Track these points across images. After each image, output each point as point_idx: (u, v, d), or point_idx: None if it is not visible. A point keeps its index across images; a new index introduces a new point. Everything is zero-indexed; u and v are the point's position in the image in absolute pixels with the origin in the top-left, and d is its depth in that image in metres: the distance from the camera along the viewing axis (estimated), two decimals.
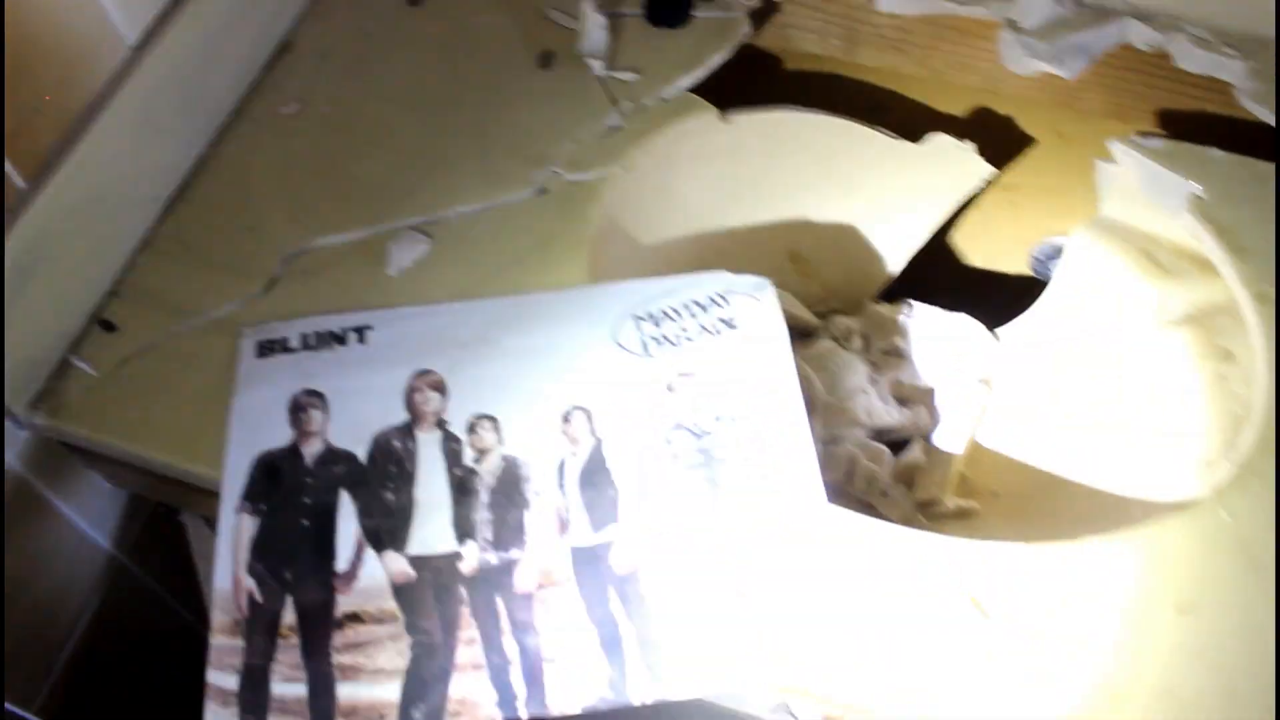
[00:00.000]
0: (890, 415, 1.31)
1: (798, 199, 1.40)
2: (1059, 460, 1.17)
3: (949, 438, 1.28)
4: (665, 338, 1.12)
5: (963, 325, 1.34)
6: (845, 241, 1.35)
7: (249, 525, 1.05)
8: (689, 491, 1.06)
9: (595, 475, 1.05)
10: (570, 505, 1.05)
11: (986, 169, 1.35)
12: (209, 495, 1.09)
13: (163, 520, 1.32)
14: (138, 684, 1.34)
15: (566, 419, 1.09)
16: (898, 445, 1.29)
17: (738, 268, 1.18)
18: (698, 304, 1.15)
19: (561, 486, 1.06)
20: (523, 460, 1.08)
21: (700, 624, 1.00)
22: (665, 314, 1.14)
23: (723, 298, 1.15)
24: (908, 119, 1.45)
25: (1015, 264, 1.42)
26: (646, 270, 1.21)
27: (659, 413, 1.09)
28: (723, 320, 1.13)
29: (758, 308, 1.14)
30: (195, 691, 0.99)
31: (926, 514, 1.22)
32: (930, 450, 1.29)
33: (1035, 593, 0.92)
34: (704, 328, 1.13)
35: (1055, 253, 1.38)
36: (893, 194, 1.39)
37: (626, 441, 1.08)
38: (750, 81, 1.34)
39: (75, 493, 1.24)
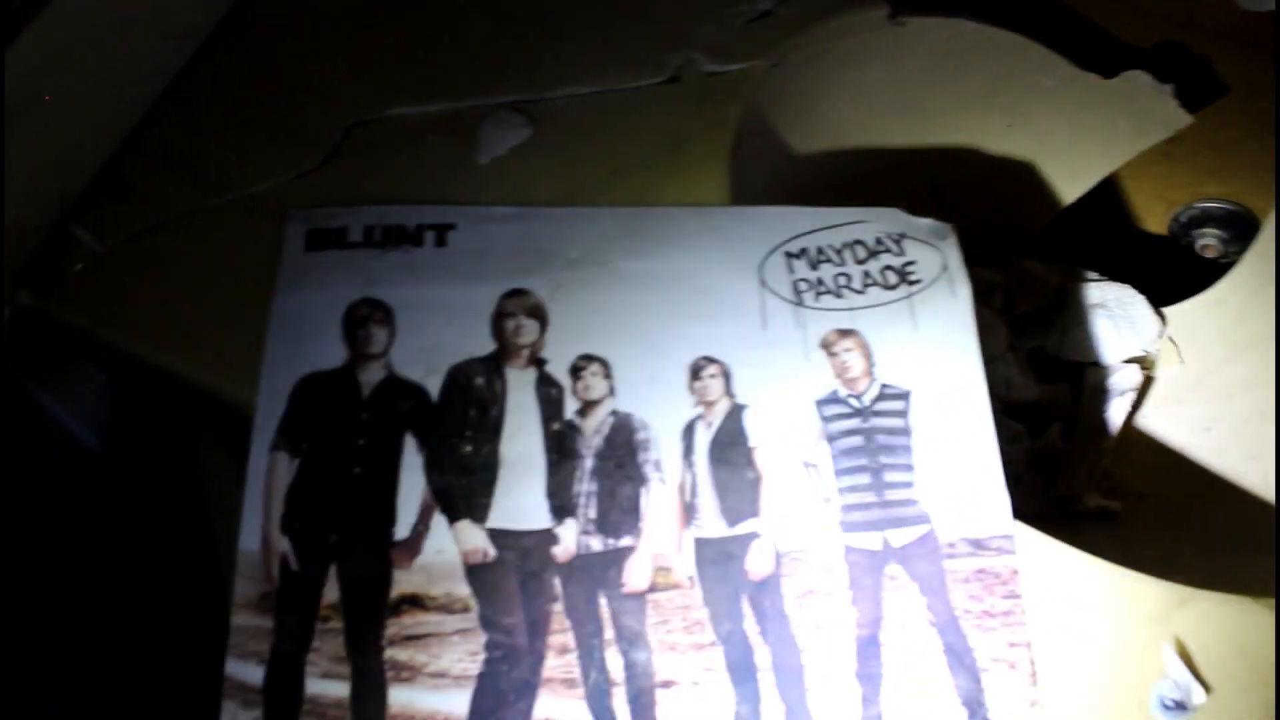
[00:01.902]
0: (1029, 390, 1.13)
1: (955, 124, 1.20)
2: (1222, 462, 1.04)
3: (1095, 424, 1.10)
4: (822, 283, 0.90)
5: (1123, 296, 1.17)
6: (1000, 180, 1.21)
7: (286, 468, 0.82)
8: (846, 482, 0.86)
9: (731, 450, 0.83)
10: (699, 485, 0.84)
11: (1183, 118, 1.14)
12: (234, 419, 0.85)
13: (170, 434, 1.06)
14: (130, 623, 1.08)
15: (696, 373, 0.85)
16: (1032, 425, 1.11)
17: (873, 196, 0.97)
18: (863, 245, 0.91)
19: (688, 459, 0.84)
20: (640, 420, 0.87)
21: (857, 654, 0.81)
22: (822, 253, 0.90)
23: (895, 241, 0.91)
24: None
25: (1153, 222, 1.28)
26: (787, 192, 0.95)
27: (811, 376, 0.86)
28: (894, 270, 0.89)
29: (937, 259, 0.89)
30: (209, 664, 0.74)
31: (1062, 510, 1.06)
32: (1071, 437, 1.11)
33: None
34: (870, 276, 0.89)
35: (1202, 219, 1.26)
36: (1064, 132, 1.19)
37: (772, 410, 0.86)
38: None
39: (64, 388, 0.97)
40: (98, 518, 1.02)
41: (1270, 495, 0.99)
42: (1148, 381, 1.12)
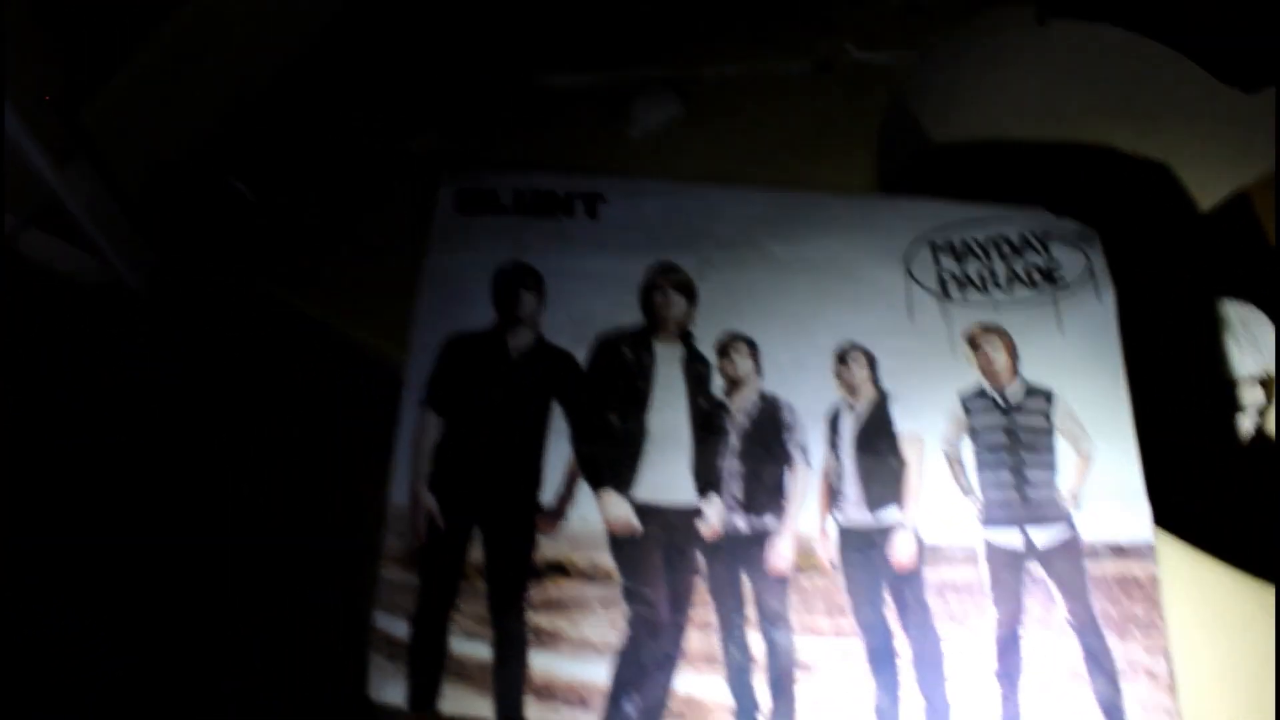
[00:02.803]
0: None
1: (1089, 127, 1.16)
2: None
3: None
4: (968, 278, 0.89)
5: (1246, 315, 1.12)
6: (1132, 186, 1.18)
7: (434, 426, 0.82)
8: (989, 478, 0.86)
9: (877, 438, 0.82)
10: (844, 472, 0.82)
11: None
12: (377, 374, 0.85)
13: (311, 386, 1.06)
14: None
15: (842, 359, 0.85)
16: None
17: (1004, 194, 0.96)
18: (1009, 243, 0.90)
19: (834, 445, 0.82)
20: (786, 402, 0.86)
21: (997, 651, 0.81)
22: (969, 247, 0.89)
23: (1040, 242, 0.90)
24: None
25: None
26: (925, 184, 0.95)
27: (957, 370, 0.85)
28: (1040, 270, 0.88)
29: (1081, 262, 0.88)
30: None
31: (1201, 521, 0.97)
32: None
33: None
34: (1016, 274, 0.88)
35: None
36: (1198, 143, 1.17)
37: (917, 401, 0.85)
38: None
39: (206, 330, 0.98)
40: (238, 463, 1.02)
41: None
42: (1271, 399, 1.10)
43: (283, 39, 0.97)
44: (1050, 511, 0.83)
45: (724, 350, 0.87)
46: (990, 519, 0.83)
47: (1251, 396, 1.05)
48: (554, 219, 0.92)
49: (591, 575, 0.80)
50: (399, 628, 0.78)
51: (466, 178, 0.94)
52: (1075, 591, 0.82)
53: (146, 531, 0.92)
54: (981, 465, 0.85)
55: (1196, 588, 0.81)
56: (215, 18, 0.88)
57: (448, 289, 0.89)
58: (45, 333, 0.90)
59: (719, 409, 0.85)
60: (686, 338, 0.87)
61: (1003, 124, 1.14)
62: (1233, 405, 1.06)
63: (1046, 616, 0.81)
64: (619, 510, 0.81)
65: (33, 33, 0.77)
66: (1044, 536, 0.83)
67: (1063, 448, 0.85)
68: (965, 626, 0.80)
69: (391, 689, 0.77)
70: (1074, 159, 1.14)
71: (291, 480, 0.89)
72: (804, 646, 0.80)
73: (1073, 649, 0.80)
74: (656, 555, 0.81)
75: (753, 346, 0.87)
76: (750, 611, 0.80)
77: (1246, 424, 1.04)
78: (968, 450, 0.85)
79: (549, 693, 0.77)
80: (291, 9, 0.97)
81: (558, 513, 0.82)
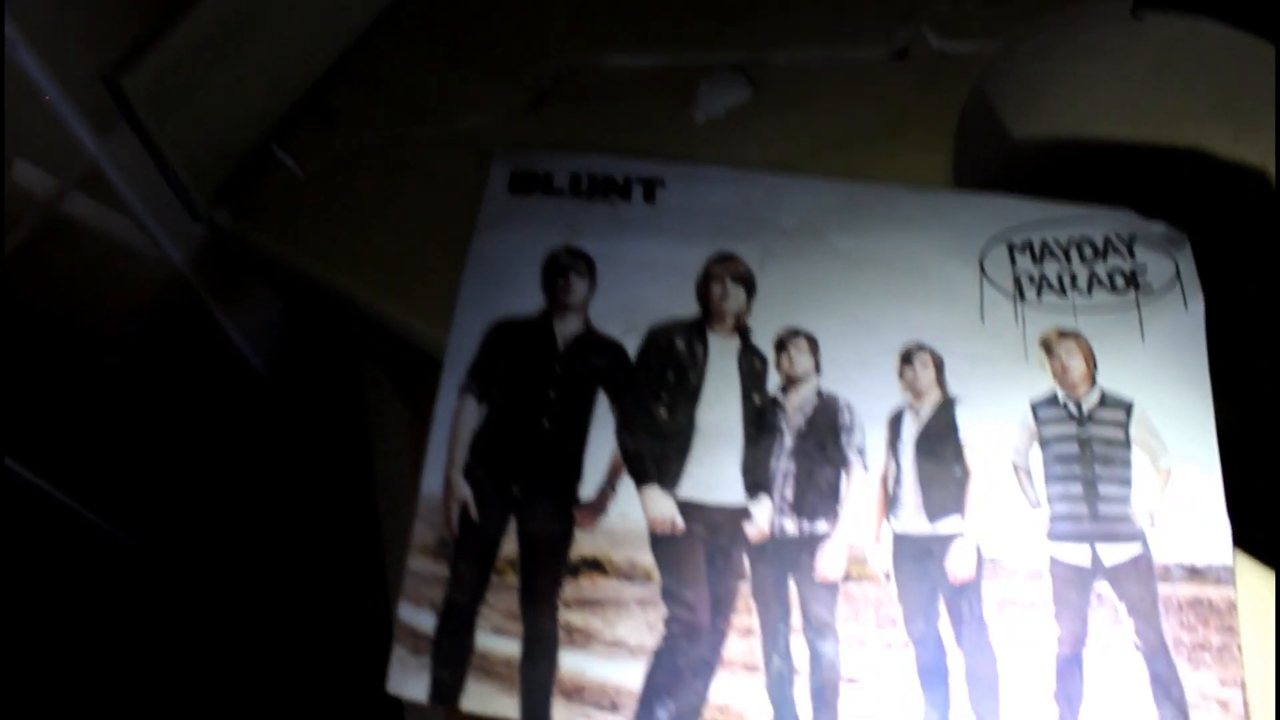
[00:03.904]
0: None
1: (1180, 128, 1.11)
2: None
3: None
4: (1045, 279, 0.84)
5: None
6: (1226, 192, 1.13)
7: (473, 413, 0.78)
8: (1058, 490, 0.81)
9: (940, 444, 0.77)
10: (903, 477, 0.78)
11: None
12: (412, 359, 0.80)
13: (339, 368, 1.03)
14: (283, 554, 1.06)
15: (908, 359, 0.80)
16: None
17: (1088, 195, 0.90)
18: (1091, 245, 0.84)
19: (893, 449, 0.79)
20: (845, 402, 0.82)
21: (1056, 672, 0.76)
22: (1048, 248, 0.84)
23: (1124, 244, 0.84)
24: None
25: None
26: (1003, 180, 0.90)
27: (1030, 376, 0.80)
28: (1123, 274, 0.82)
29: (1169, 267, 0.83)
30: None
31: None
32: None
33: None
34: (1097, 277, 0.83)
35: None
36: None
37: (985, 406, 0.80)
38: None
39: (242, 308, 0.96)
40: (258, 442, 1.00)
41: None
42: None
43: (337, 9, 0.93)
44: (1122, 528, 0.78)
45: (782, 345, 0.83)
46: (1057, 533, 0.78)
47: None
48: (609, 203, 0.89)
49: (630, 574, 0.77)
50: (425, 620, 0.75)
51: (520, 158, 0.91)
52: (1145, 614, 0.76)
53: (163, 512, 0.90)
54: (1051, 477, 0.80)
55: (1277, 615, 0.74)
56: None
57: (495, 272, 0.85)
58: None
59: (773, 406, 0.81)
60: (743, 331, 0.83)
61: (1089, 121, 1.09)
62: None
63: (1112, 639, 0.76)
64: (662, 507, 0.78)
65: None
66: (1114, 554, 0.78)
67: (1140, 462, 0.80)
68: (1024, 645, 0.75)
69: (413, 683, 0.74)
70: (1165, 161, 1.09)
71: (321, 468, 0.86)
72: (850, 658, 0.75)
73: (1139, 675, 0.75)
74: (699, 556, 0.77)
75: (813, 343, 0.83)
76: (795, 619, 0.76)
77: None
78: (1036, 461, 0.80)
79: (578, 694, 0.74)
80: None
81: (598, 507, 0.78)
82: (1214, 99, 1.07)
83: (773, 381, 0.82)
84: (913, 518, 0.78)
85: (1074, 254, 0.87)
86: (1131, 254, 0.87)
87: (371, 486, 0.96)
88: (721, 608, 0.76)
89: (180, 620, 0.92)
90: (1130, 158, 1.09)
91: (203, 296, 0.95)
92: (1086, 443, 0.80)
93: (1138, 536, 0.78)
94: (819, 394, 0.81)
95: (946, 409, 0.81)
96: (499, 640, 0.75)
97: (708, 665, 0.74)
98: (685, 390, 0.81)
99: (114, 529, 0.93)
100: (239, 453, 1.01)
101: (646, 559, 0.77)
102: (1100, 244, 0.87)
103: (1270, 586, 0.76)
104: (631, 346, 0.82)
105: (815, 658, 0.75)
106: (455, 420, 0.80)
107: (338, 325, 0.95)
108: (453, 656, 0.74)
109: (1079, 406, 0.81)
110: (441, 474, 0.78)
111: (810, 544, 0.77)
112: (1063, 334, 0.84)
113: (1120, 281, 0.85)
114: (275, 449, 1.03)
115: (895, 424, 0.80)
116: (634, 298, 0.84)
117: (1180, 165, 1.09)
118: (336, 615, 0.84)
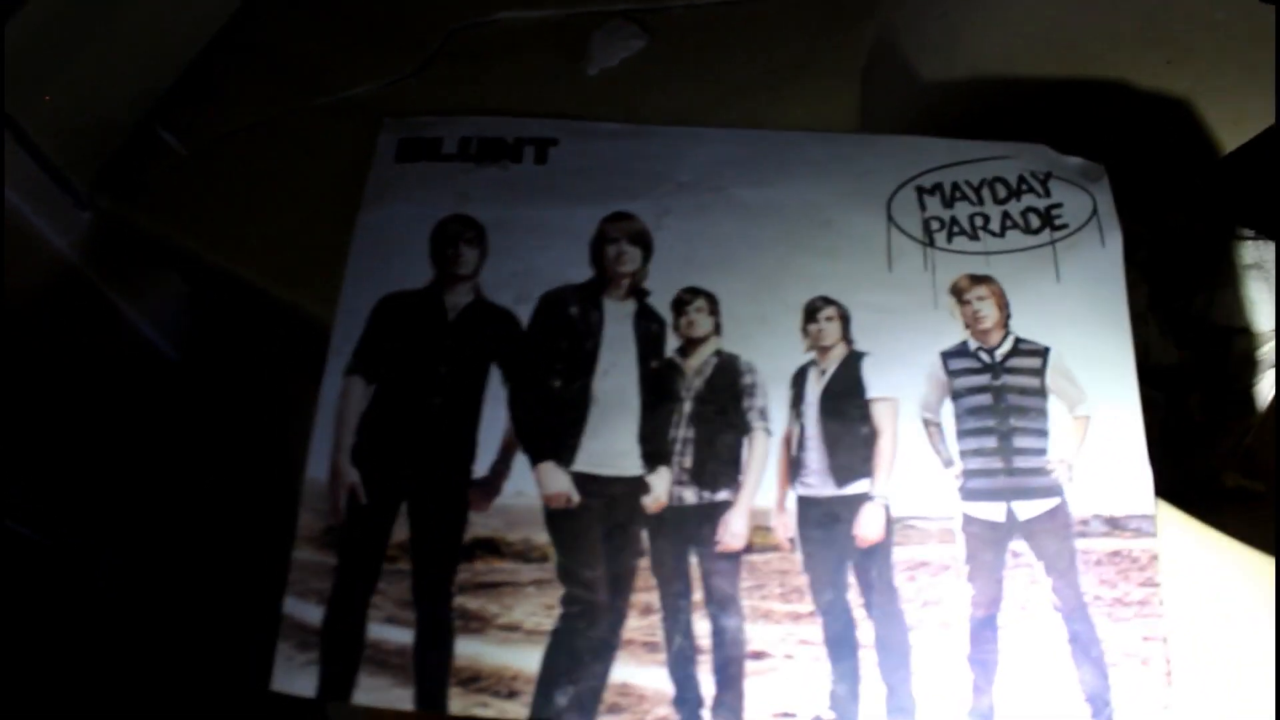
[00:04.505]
0: (1169, 354, 1.01)
1: (1107, 58, 1.05)
2: None
3: (1241, 397, 0.99)
4: (956, 222, 0.80)
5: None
6: (1152, 122, 1.06)
7: (360, 394, 0.76)
8: (971, 445, 0.78)
9: (845, 401, 0.76)
10: (807, 439, 0.76)
11: None
12: (314, 338, 0.79)
13: (248, 351, 1.00)
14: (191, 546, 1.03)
15: (812, 314, 0.78)
16: (1173, 393, 0.99)
17: (1012, 134, 0.88)
18: (1004, 183, 0.81)
19: (797, 409, 0.77)
20: (746, 362, 0.79)
21: (970, 636, 0.73)
22: (959, 190, 0.81)
23: (1040, 181, 0.81)
24: None
25: None
26: (919, 124, 0.86)
27: (939, 325, 0.79)
28: (1037, 212, 0.79)
29: (1086, 203, 0.80)
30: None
31: (1198, 488, 0.95)
32: (1212, 409, 0.99)
33: None
34: (1011, 218, 0.80)
35: None
36: (1231, 71, 1.04)
37: (893, 360, 0.79)
38: None
39: (143, 293, 0.92)
40: (169, 431, 0.97)
41: None
42: None
43: None
44: (1038, 481, 0.76)
45: (680, 306, 0.80)
46: (971, 490, 0.75)
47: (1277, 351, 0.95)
48: (500, 166, 0.85)
49: (525, 554, 0.74)
50: (312, 613, 0.72)
51: (409, 125, 0.87)
52: (1063, 570, 0.74)
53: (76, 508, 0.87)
54: (963, 431, 0.77)
55: (1200, 566, 0.72)
56: None
57: (382, 245, 0.82)
58: None
59: (672, 371, 0.77)
60: (640, 293, 0.80)
61: (1006, 59, 1.04)
62: (1251, 361, 0.96)
63: (1029, 598, 0.73)
64: (557, 483, 0.75)
65: None
66: (1029, 509, 0.75)
67: (1056, 410, 0.77)
68: (937, 609, 0.72)
69: (301, 679, 0.72)
70: (1087, 95, 1.04)
71: (204, 456, 0.84)
72: (755, 631, 0.72)
73: (1058, 635, 0.72)
74: (596, 532, 0.74)
75: (713, 301, 0.79)
76: (697, 594, 0.73)
77: (1268, 383, 0.94)
78: (949, 415, 0.76)
79: (475, 681, 0.71)
80: None
81: (492, 487, 0.75)
82: (1142, 26, 1.02)
83: (672, 344, 0.78)
84: (819, 481, 0.76)
85: (986, 194, 0.84)
86: (1047, 192, 0.83)
87: (291, 473, 0.93)
88: (620, 585, 0.73)
89: (91, 613, 0.90)
90: (1053, 93, 1.04)
91: (99, 285, 0.91)
92: (1000, 392, 0.77)
93: (1055, 489, 0.75)
94: (718, 354, 0.78)
95: (852, 364, 0.78)
96: (392, 630, 0.73)
97: (607, 646, 0.72)
98: (580, 359, 0.78)
99: (25, 528, 0.91)
100: (151, 442, 0.98)
101: (542, 537, 0.74)
102: (1014, 183, 0.84)
103: (1196, 535, 0.73)
104: (525, 316, 0.79)
105: (718, 633, 0.73)
106: (342, 403, 0.77)
107: (243, 307, 0.92)
108: (343, 649, 0.72)
109: (991, 355, 0.77)
110: (328, 460, 0.75)
111: (711, 514, 0.75)
112: (975, 279, 0.81)
113: (1035, 221, 0.82)
114: (189, 436, 1.00)
115: (799, 382, 0.77)
116: (526, 264, 0.81)
117: (1103, 97, 1.04)
118: (252, 606, 0.81)
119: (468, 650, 0.72)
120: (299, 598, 0.73)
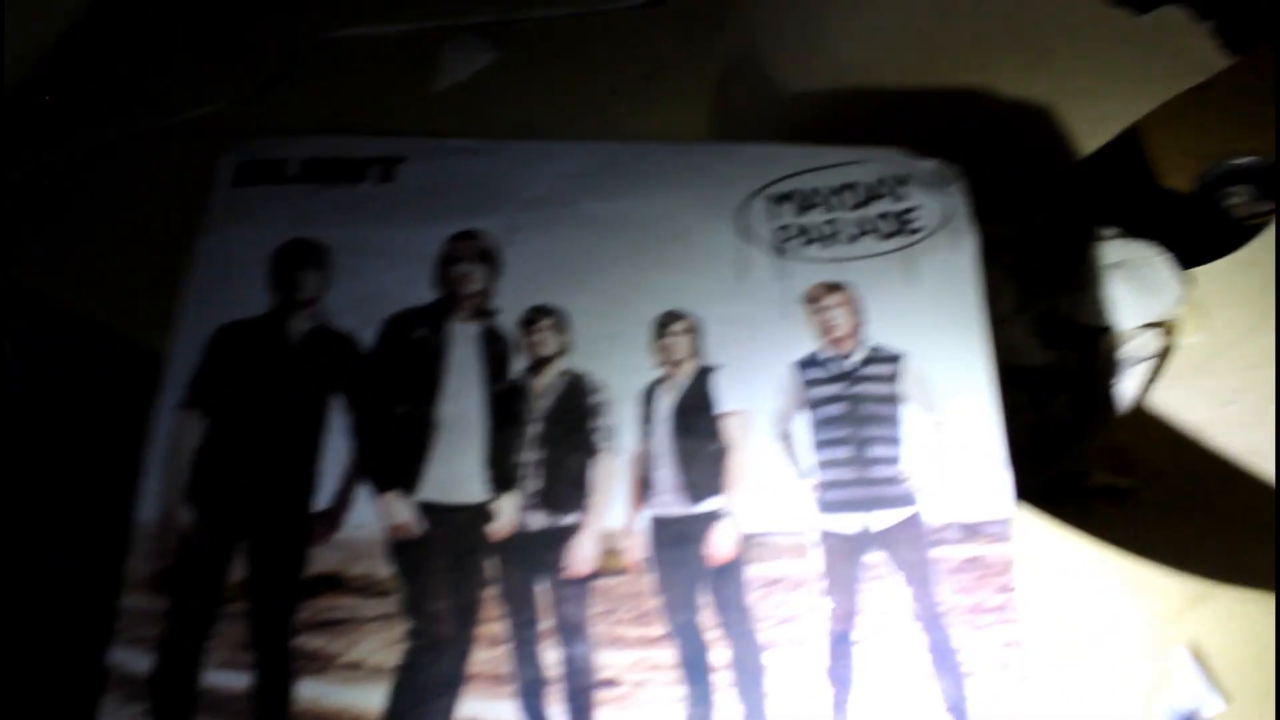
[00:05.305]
0: (1036, 355, 1.01)
1: (968, 63, 1.07)
2: (1245, 440, 0.92)
3: (1107, 395, 0.98)
4: (807, 230, 0.81)
5: (1144, 256, 1.03)
6: (1014, 126, 1.08)
7: (194, 429, 0.73)
8: (825, 456, 0.76)
9: (697, 417, 0.76)
10: (658, 457, 0.75)
11: (1221, 60, 1.02)
12: (151, 372, 0.75)
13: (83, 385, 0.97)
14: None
15: (661, 329, 0.77)
16: (1040, 394, 0.98)
17: (874, 142, 0.87)
18: (858, 189, 0.79)
19: (648, 427, 0.76)
20: (595, 380, 0.78)
21: (829, 651, 0.72)
22: (813, 196, 0.78)
23: (895, 186, 0.79)
24: None
25: (1179, 177, 1.14)
26: (779, 134, 0.88)
27: (791, 335, 0.78)
28: (891, 217, 0.79)
29: (940, 206, 0.79)
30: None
31: (1066, 487, 0.93)
32: (1081, 407, 0.99)
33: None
34: (865, 224, 0.79)
35: (1230, 177, 1.12)
36: (1089, 74, 1.07)
37: (745, 372, 0.78)
38: None
39: None
40: (12, 471, 0.93)
41: None
42: (1167, 350, 1.01)
43: (41, 9, 0.87)
44: (893, 491, 0.75)
45: (528, 325, 0.78)
46: (826, 503, 0.74)
47: (1146, 347, 0.95)
48: (345, 187, 0.83)
49: (368, 589, 0.72)
50: (140, 662, 0.69)
51: (251, 147, 0.85)
52: (920, 580, 0.73)
53: None
54: (818, 443, 0.76)
55: (1061, 568, 0.72)
56: None
57: (219, 273, 0.80)
58: None
59: (519, 393, 0.75)
60: (486, 314, 0.77)
61: (866, 67, 1.04)
62: (1113, 360, 0.95)
63: (887, 610, 0.71)
64: (400, 513, 0.72)
65: None
66: (885, 520, 0.73)
67: (911, 417, 0.75)
68: (793, 625, 0.71)
69: None
70: (950, 99, 1.04)
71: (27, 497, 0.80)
72: (607, 658, 0.71)
73: (917, 646, 0.70)
74: (441, 563, 0.72)
75: (561, 319, 0.77)
76: (546, 622, 0.71)
77: (1141, 375, 0.93)
78: (802, 426, 0.74)
79: None
80: None
81: (333, 520, 0.73)
82: (1002, 31, 1.03)
83: (519, 365, 0.76)
84: (672, 500, 0.74)
85: (840, 201, 0.82)
86: (902, 195, 0.82)
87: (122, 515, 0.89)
88: (467, 617, 0.71)
89: None
90: (914, 96, 1.04)
91: None
92: (854, 401, 0.76)
93: (909, 498, 0.74)
94: (566, 373, 0.76)
95: (703, 379, 0.76)
96: (229, 675, 0.70)
97: (453, 680, 0.70)
98: (425, 384, 0.76)
99: None
100: None
101: (385, 570, 0.72)
102: (869, 189, 0.82)
103: (1055, 533, 0.73)
104: (368, 340, 0.76)
105: (568, 662, 0.71)
106: (173, 439, 0.74)
107: (79, 339, 0.88)
108: (174, 699, 0.69)
109: (844, 363, 0.76)
110: (159, 498, 0.72)
111: (559, 539, 0.73)
112: (827, 287, 0.80)
113: (889, 226, 0.81)
114: (34, 477, 0.96)
115: (649, 399, 0.76)
116: (371, 287, 0.79)
117: (966, 101, 1.04)
118: (76, 658, 0.78)
119: (309, 693, 0.70)
120: (128, 646, 0.70)
